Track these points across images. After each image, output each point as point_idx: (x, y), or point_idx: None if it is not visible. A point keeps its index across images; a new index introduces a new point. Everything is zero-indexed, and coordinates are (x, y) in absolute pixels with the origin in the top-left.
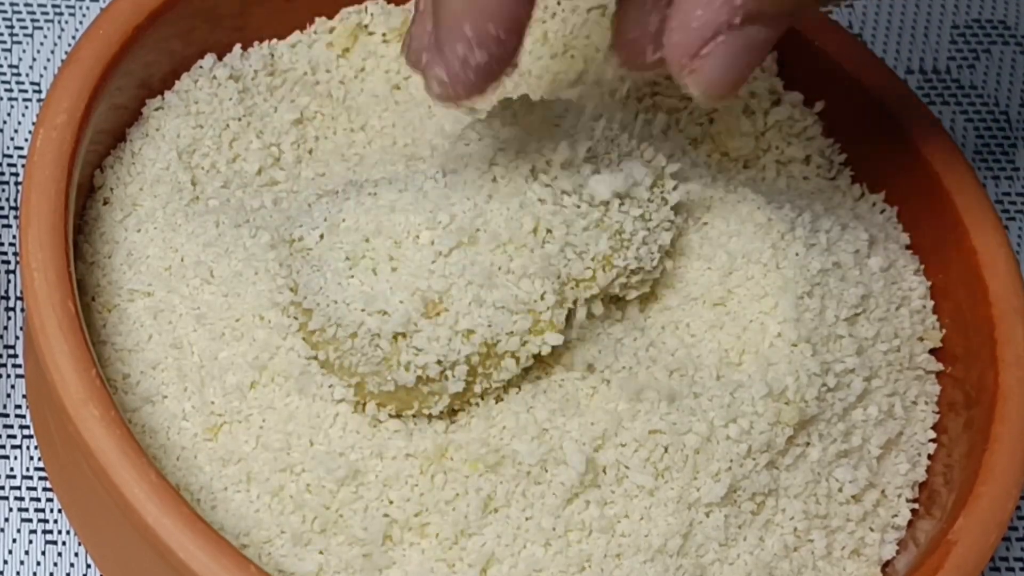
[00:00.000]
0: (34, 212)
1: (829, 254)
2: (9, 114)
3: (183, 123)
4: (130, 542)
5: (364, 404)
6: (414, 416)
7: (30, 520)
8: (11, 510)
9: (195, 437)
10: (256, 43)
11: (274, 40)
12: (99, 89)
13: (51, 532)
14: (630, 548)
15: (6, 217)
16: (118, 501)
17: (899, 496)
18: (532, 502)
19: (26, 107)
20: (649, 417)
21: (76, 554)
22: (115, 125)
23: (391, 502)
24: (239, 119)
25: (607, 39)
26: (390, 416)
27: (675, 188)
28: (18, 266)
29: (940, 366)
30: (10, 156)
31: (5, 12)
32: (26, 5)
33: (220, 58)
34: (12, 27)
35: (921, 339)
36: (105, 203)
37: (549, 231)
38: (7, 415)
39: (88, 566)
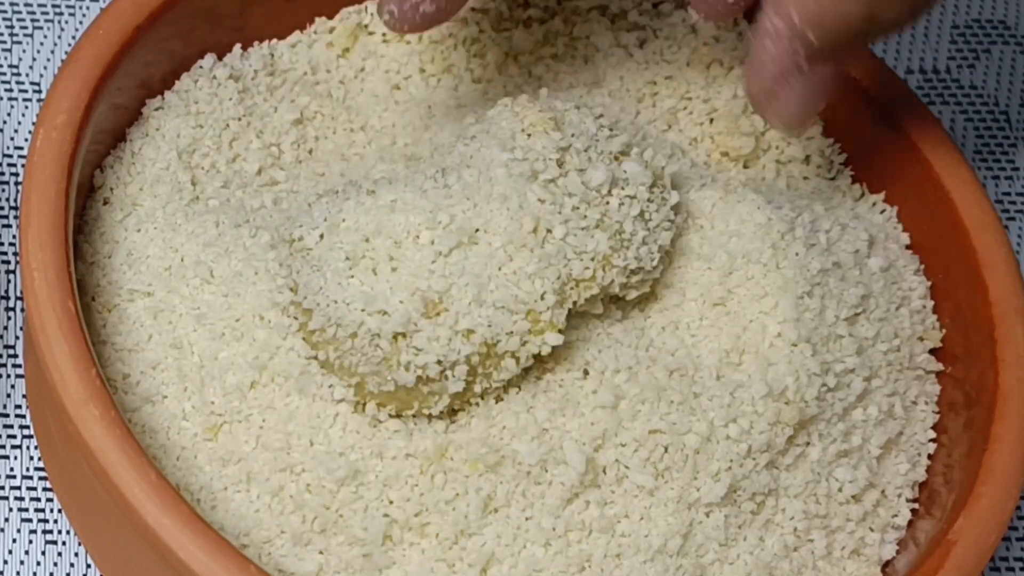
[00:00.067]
0: (34, 212)
1: (829, 254)
2: (9, 114)
3: (183, 123)
4: (130, 542)
5: (364, 404)
6: (414, 416)
7: (30, 520)
8: (11, 510)
9: (195, 437)
10: (256, 43)
11: (274, 40)
12: (99, 89)
13: (51, 532)
14: (630, 548)
15: (6, 217)
16: (118, 501)
17: (899, 496)
18: (532, 502)
19: (26, 107)
20: (649, 417)
21: (76, 554)
22: (115, 125)
23: (391, 502)
24: (239, 119)
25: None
26: (390, 416)
27: (675, 188)
28: (18, 266)
29: (940, 366)
30: (10, 156)
31: (5, 12)
32: (26, 5)
33: (220, 58)
34: (12, 27)
35: (921, 339)
36: (105, 203)
37: (549, 231)
38: (7, 415)
39: (88, 566)
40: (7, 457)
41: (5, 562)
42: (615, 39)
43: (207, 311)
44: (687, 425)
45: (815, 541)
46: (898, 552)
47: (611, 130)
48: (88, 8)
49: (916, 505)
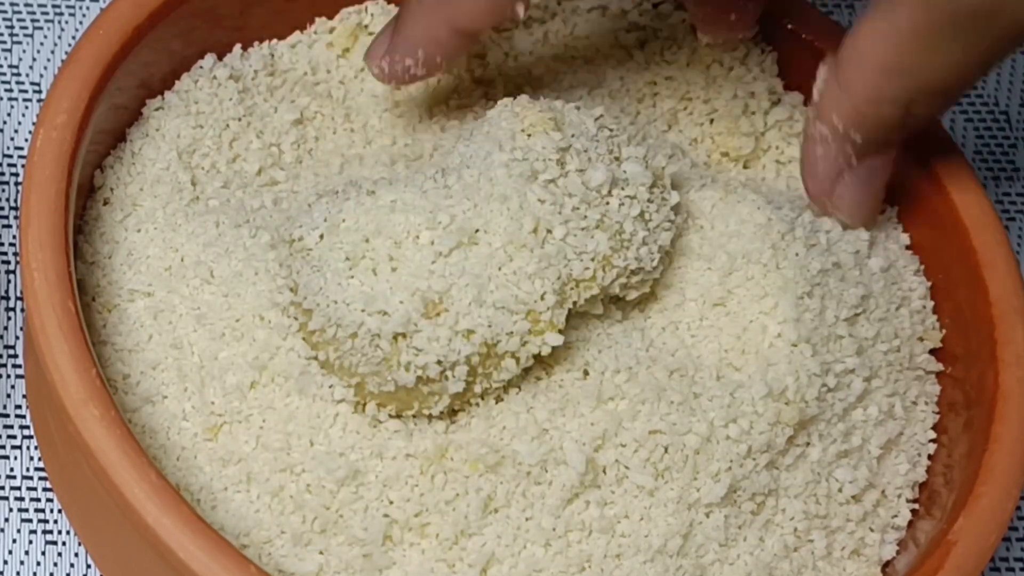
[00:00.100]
0: (34, 212)
1: (829, 254)
2: (9, 114)
3: (183, 123)
4: (130, 542)
5: (364, 404)
6: (414, 416)
7: (30, 520)
8: (11, 510)
9: (195, 437)
10: (256, 43)
11: (274, 40)
12: (99, 89)
13: (51, 532)
14: (630, 548)
15: (6, 217)
16: (118, 501)
17: (899, 496)
18: (532, 502)
19: (26, 107)
20: (649, 417)
21: (76, 554)
22: (115, 125)
23: (391, 502)
24: (239, 119)
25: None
26: (390, 416)
27: (675, 188)
28: (18, 266)
29: (940, 366)
30: (10, 156)
31: (5, 12)
32: (26, 5)
33: (220, 58)
34: (12, 27)
35: (921, 339)
36: (105, 203)
37: (549, 231)
38: (7, 415)
39: (88, 566)
40: (7, 457)
41: (5, 562)
42: (615, 39)
43: (207, 311)
44: (687, 425)
45: (815, 541)
46: (898, 552)
47: (611, 130)
48: (88, 8)
49: (916, 505)
